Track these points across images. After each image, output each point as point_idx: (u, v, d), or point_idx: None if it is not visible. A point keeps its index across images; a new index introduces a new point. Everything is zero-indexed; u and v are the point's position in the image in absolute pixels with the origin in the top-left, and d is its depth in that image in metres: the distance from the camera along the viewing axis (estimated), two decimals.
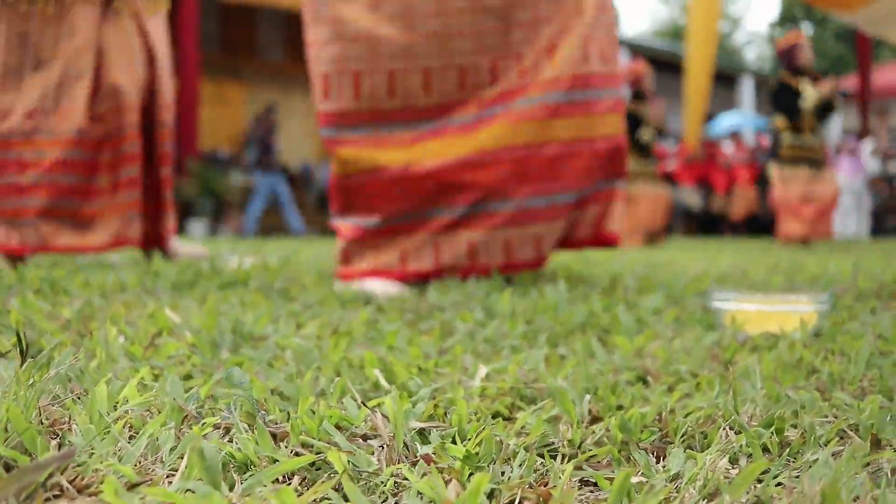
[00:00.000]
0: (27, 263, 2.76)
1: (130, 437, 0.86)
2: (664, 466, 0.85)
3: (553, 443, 0.91)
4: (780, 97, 7.88)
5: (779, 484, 0.78)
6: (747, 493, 0.74)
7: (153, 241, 3.20)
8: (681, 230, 15.59)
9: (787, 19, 35.72)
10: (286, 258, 2.76)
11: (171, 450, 0.81)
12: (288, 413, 0.96)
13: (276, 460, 0.80)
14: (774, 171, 7.98)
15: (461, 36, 2.19)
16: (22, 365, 1.01)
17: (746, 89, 22.34)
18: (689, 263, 3.91)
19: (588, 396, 1.03)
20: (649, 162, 8.93)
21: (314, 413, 0.91)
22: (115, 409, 0.93)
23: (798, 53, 7.78)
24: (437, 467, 0.79)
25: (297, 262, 2.69)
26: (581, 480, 0.82)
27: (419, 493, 0.72)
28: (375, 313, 1.64)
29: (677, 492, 0.75)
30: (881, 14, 11.44)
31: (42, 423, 0.86)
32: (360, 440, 0.89)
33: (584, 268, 3.11)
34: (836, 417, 1.02)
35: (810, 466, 0.81)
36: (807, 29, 33.83)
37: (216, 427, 0.91)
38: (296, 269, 2.46)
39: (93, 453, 0.79)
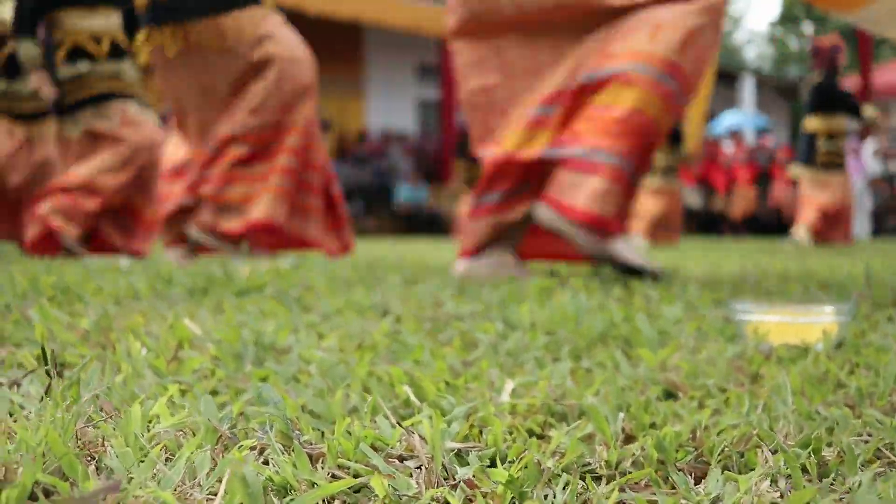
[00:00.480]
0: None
1: (166, 460, 0.86)
2: (704, 489, 0.84)
3: (590, 463, 0.90)
4: (831, 97, 7.81)
5: None
6: None
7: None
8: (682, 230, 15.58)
9: (788, 18, 35.71)
10: (297, 263, 2.76)
11: (207, 473, 0.81)
12: (322, 433, 0.95)
13: (314, 483, 0.79)
14: (806, 175, 7.89)
15: None
16: (50, 384, 1.00)
17: (747, 88, 22.33)
18: (697, 268, 3.90)
19: (621, 414, 1.02)
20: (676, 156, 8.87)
21: (350, 434, 0.90)
22: (149, 430, 0.92)
23: (840, 56, 7.77)
24: (480, 492, 0.78)
25: (309, 267, 2.68)
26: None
27: None
28: (394, 324, 1.64)
29: None
30: (882, 13, 11.36)
31: (79, 447, 0.85)
32: (397, 461, 0.88)
33: (594, 271, 3.11)
34: (870, 436, 1.01)
35: (855, 491, 0.81)
36: (807, 28, 33.80)
37: (251, 448, 0.90)
38: (308, 273, 2.45)
39: (132, 478, 0.78)
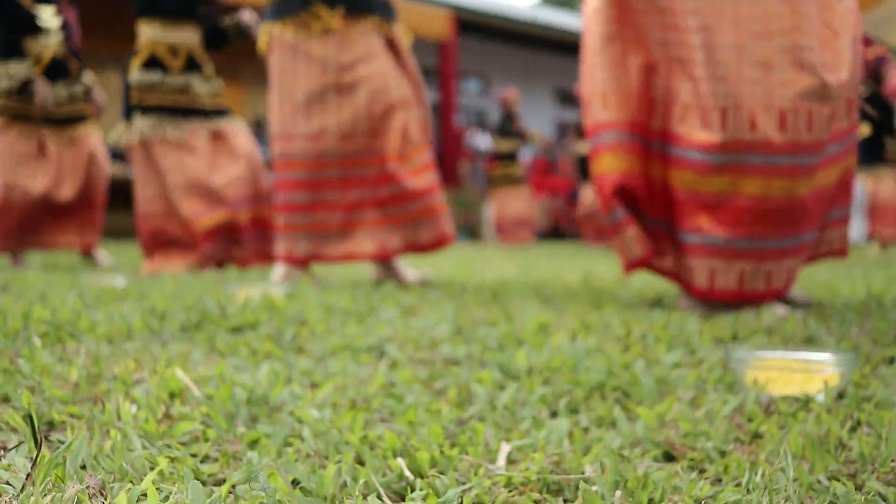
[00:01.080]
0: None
1: None
2: None
3: None
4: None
5: None
6: None
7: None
8: None
9: None
10: (292, 290, 2.73)
11: None
12: None
13: None
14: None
15: None
16: (35, 459, 0.98)
17: None
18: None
19: (618, 493, 1.00)
20: None
21: None
22: None
23: (885, 66, 7.82)
24: None
25: (303, 294, 2.66)
26: None
27: None
28: (389, 372, 1.62)
29: None
30: (882, 16, 11.54)
31: None
32: None
33: (595, 298, 3.09)
34: None
35: None
36: None
37: None
38: (302, 302, 2.43)
39: None
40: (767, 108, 2.18)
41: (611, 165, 2.36)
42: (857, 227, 14.55)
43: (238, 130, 4.69)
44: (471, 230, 16.02)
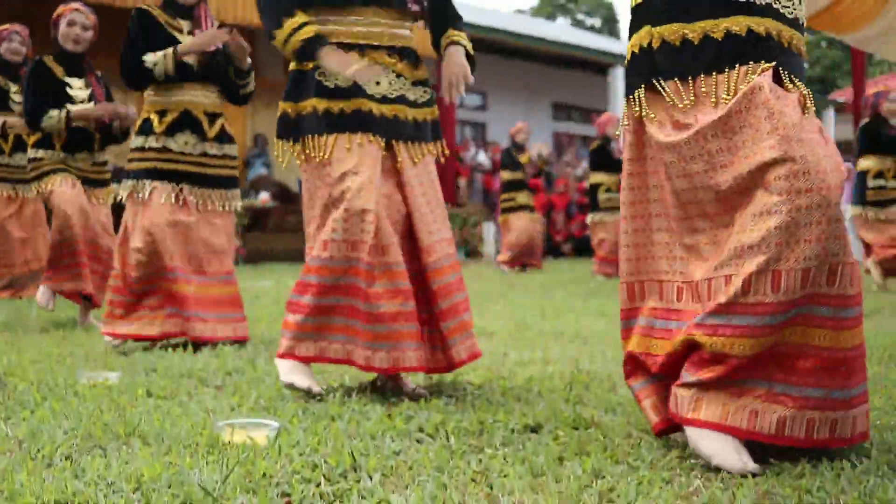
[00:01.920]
0: None
1: None
2: None
3: None
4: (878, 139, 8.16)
5: None
6: None
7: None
8: None
9: None
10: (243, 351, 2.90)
11: None
12: None
13: None
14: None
15: None
16: None
17: None
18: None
19: None
20: None
21: None
22: None
23: (886, 104, 8.13)
24: None
25: (256, 336, 2.85)
26: None
27: None
28: None
29: None
30: (872, 34, 11.76)
31: None
32: None
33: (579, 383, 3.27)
34: None
35: None
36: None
37: None
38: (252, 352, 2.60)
39: None
40: None
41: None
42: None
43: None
44: (469, 249, 16.18)
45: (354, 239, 2.82)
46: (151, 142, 4.25)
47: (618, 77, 19.38)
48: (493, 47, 19.52)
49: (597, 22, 45.36)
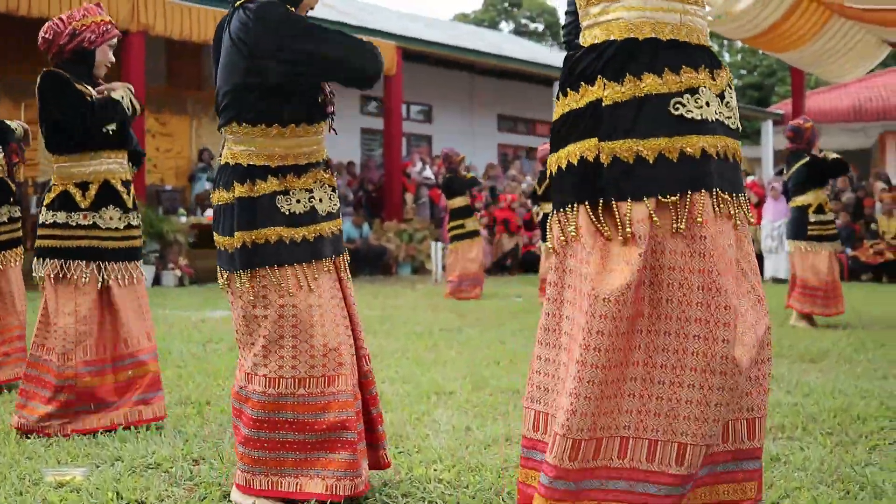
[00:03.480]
0: None
1: None
2: None
3: None
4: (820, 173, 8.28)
5: None
6: None
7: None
8: None
9: (711, 35, 36.29)
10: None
11: None
12: None
13: None
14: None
15: None
16: None
17: None
18: None
19: None
20: None
21: None
22: None
23: (815, 139, 8.34)
24: None
25: (215, 399, 2.85)
26: None
27: None
28: None
29: None
30: (807, 55, 12.04)
31: None
32: None
33: None
34: None
35: None
36: (736, 44, 34.44)
37: None
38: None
39: None
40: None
41: None
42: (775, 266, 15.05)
43: None
44: (416, 266, 16.20)
45: (329, 375, 2.83)
46: (78, 218, 3.99)
47: None
48: (438, 60, 19.54)
49: (539, 26, 45.52)
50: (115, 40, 4.09)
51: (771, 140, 24.39)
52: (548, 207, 10.49)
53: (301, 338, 2.83)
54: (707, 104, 2.20)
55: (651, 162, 2.16)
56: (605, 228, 2.19)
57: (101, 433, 3.85)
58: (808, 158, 8.20)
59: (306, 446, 2.83)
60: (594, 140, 2.20)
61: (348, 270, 3.04)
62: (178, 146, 16.55)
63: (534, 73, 20.77)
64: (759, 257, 15.16)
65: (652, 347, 2.21)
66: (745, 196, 2.30)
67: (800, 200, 8.27)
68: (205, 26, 13.75)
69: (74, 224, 3.99)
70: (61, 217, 4.00)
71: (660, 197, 2.16)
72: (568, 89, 2.29)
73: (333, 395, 2.82)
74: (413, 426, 3.95)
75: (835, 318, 8.27)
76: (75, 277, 3.97)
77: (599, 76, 2.21)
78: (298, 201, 2.87)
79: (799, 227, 8.26)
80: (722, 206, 2.20)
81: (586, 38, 2.29)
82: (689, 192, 2.17)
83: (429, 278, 14.92)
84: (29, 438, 3.78)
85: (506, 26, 45.00)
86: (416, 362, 5.84)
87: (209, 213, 14.45)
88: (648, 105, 2.18)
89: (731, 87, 2.31)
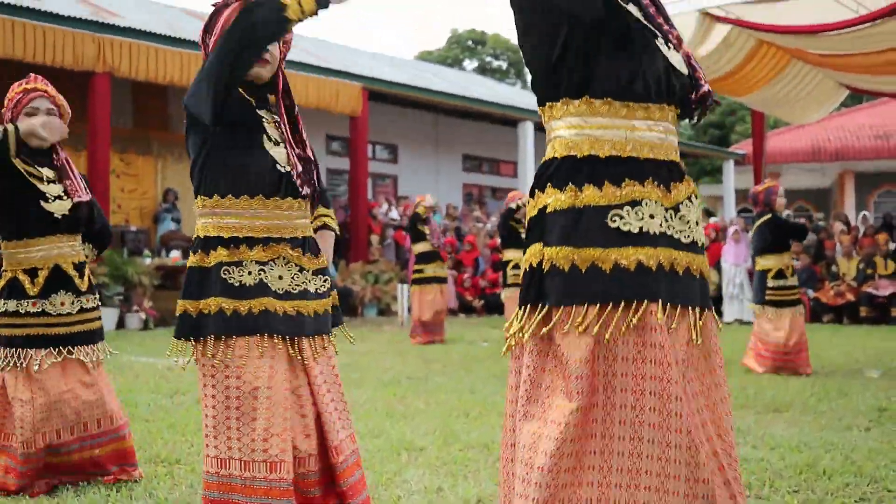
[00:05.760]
0: None
1: None
2: None
3: None
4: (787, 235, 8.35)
5: None
6: None
7: None
8: None
9: None
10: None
11: None
12: None
13: None
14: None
15: None
16: None
17: None
18: None
19: None
20: None
21: None
22: None
23: (777, 199, 8.38)
24: None
25: (186, 457, 2.84)
26: None
27: None
28: None
29: None
30: (767, 97, 12.35)
31: None
32: None
33: None
34: None
35: None
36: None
37: None
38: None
39: None
40: None
41: None
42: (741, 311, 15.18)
43: None
44: (382, 307, 16.17)
45: (271, 461, 2.79)
46: (27, 306, 3.93)
47: (527, 129, 19.68)
48: (403, 100, 19.65)
49: (503, 64, 45.93)
50: (35, 103, 3.94)
51: (732, 179, 24.73)
52: (507, 254, 10.64)
53: (243, 420, 2.80)
54: (651, 217, 2.21)
55: (583, 271, 2.18)
56: (544, 333, 2.22)
57: (72, 496, 3.83)
58: (769, 217, 8.26)
59: None
60: (539, 245, 2.26)
61: (317, 354, 2.99)
62: (143, 186, 16.49)
63: (498, 113, 20.93)
64: (719, 300, 15.29)
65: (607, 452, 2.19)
66: (707, 309, 2.29)
67: (761, 264, 8.32)
68: (171, 67, 13.80)
69: (24, 312, 3.93)
70: (11, 305, 3.94)
71: (588, 305, 2.17)
72: (530, 196, 2.35)
73: (276, 483, 2.78)
74: (385, 487, 3.95)
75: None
76: (28, 365, 3.91)
77: (549, 184, 2.27)
78: (249, 273, 2.87)
79: (758, 291, 8.35)
80: (669, 318, 2.19)
81: (547, 150, 2.36)
82: (622, 302, 2.17)
83: (395, 320, 14.91)
84: None
85: (469, 64, 45.35)
86: (386, 414, 5.83)
87: (174, 253, 14.40)
88: (586, 215, 2.20)
89: (690, 201, 2.30)
